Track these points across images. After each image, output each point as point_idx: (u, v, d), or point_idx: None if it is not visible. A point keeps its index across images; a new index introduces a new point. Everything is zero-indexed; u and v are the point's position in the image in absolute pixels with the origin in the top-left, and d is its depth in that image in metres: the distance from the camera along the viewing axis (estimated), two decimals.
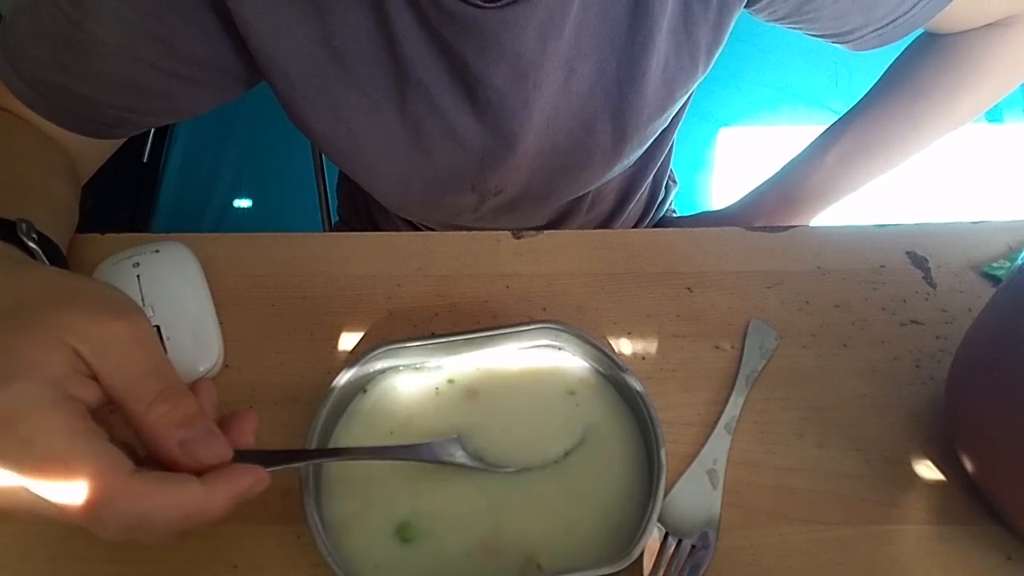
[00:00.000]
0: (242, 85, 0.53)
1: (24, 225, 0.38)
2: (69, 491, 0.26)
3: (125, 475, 0.27)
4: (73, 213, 0.49)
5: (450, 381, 0.45)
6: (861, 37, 0.56)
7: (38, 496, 0.27)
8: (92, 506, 0.27)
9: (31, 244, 0.38)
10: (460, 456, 0.40)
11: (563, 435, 0.42)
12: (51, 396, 0.27)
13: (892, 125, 0.65)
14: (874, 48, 0.58)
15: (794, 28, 0.57)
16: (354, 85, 0.50)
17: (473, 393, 0.44)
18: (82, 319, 0.29)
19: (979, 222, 0.55)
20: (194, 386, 0.33)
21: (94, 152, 0.55)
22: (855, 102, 0.67)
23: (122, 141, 0.56)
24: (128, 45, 0.46)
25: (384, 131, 0.53)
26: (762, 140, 1.71)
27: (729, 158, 1.68)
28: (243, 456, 0.32)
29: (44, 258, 0.39)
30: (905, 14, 0.54)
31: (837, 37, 0.57)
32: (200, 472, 0.29)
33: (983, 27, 0.58)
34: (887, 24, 0.55)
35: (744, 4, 0.51)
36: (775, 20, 0.55)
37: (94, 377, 0.29)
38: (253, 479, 0.31)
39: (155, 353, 0.30)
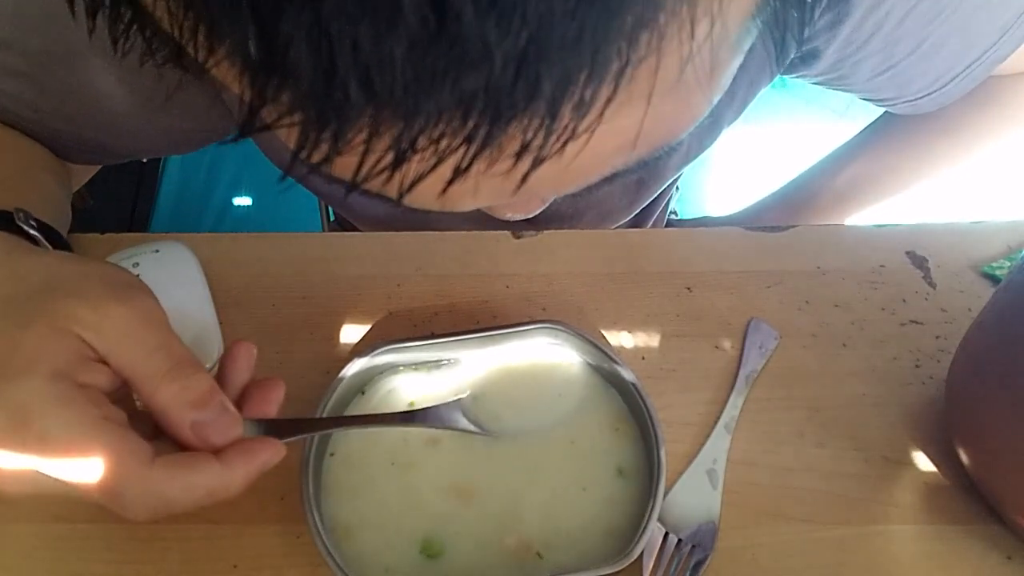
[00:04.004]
0: (225, 135, 0.54)
1: (21, 214, 0.38)
2: (90, 480, 0.27)
3: (141, 464, 0.27)
4: (64, 209, 0.49)
5: (450, 380, 0.45)
6: (894, 104, 0.57)
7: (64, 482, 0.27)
8: (113, 494, 0.27)
9: (31, 231, 0.38)
10: (463, 422, 0.40)
11: (563, 434, 0.42)
12: (60, 389, 0.27)
13: (908, 157, 0.63)
14: (906, 114, 0.58)
15: (829, 89, 0.57)
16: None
17: (473, 392, 0.44)
18: (84, 306, 0.29)
19: (979, 222, 0.55)
20: (233, 347, 0.34)
21: (79, 168, 0.55)
22: (869, 108, 0.67)
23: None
24: (105, 106, 0.46)
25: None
26: (762, 140, 1.71)
27: (729, 159, 1.68)
28: (254, 426, 0.32)
29: (47, 244, 0.39)
30: (940, 90, 0.53)
31: (870, 101, 0.58)
32: (216, 449, 0.30)
33: (1019, 74, 0.57)
34: (921, 97, 0.54)
35: (771, 81, 0.52)
36: (809, 82, 0.55)
37: (104, 361, 0.29)
38: (270, 453, 0.31)
39: (161, 330, 0.30)
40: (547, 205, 0.32)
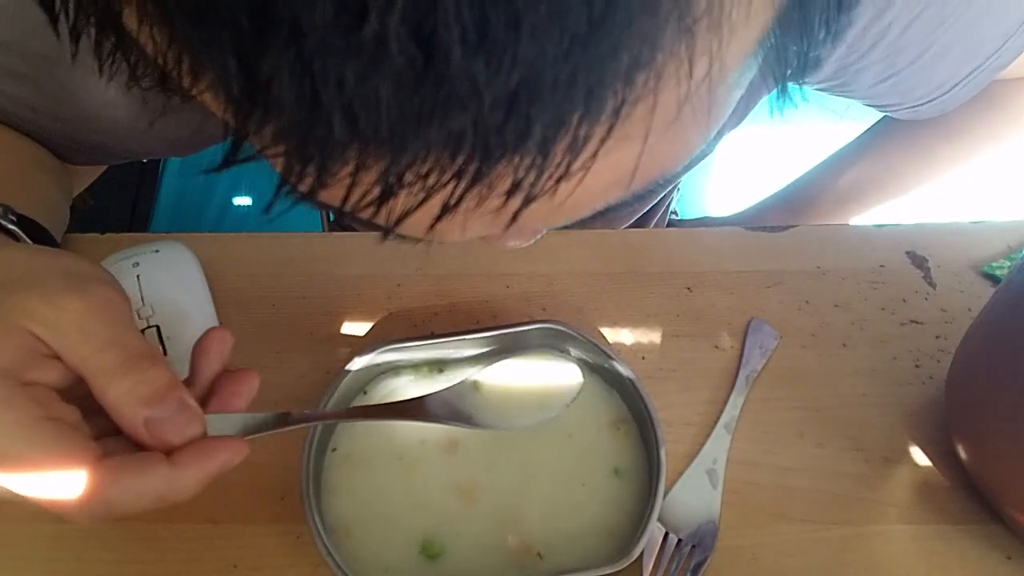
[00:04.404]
0: (224, 139, 0.54)
1: (1, 209, 0.38)
2: (32, 486, 0.26)
3: (86, 466, 0.26)
4: (61, 209, 0.48)
5: (450, 380, 0.45)
6: (896, 110, 0.56)
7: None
8: (52, 498, 0.26)
9: (10, 226, 0.38)
10: (450, 416, 0.38)
11: (563, 434, 0.42)
12: (4, 390, 0.26)
13: (910, 161, 0.63)
14: (908, 119, 0.58)
15: (830, 95, 0.57)
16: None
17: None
18: (37, 299, 0.28)
19: (979, 222, 0.55)
20: (207, 335, 0.32)
21: (84, 168, 0.55)
22: (869, 109, 0.67)
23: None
24: (103, 109, 0.46)
25: None
26: (763, 141, 1.71)
27: (730, 160, 1.68)
28: (223, 421, 0.30)
29: (27, 239, 0.38)
30: (942, 96, 0.53)
31: (872, 107, 0.57)
32: (173, 449, 0.28)
33: (1022, 78, 0.56)
34: (924, 104, 0.54)
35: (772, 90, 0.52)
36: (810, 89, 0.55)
37: (57, 357, 0.28)
38: (228, 454, 0.29)
39: (116, 323, 0.29)
40: (542, 234, 0.31)
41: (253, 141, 0.18)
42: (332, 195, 0.18)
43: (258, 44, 0.15)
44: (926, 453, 0.44)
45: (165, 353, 0.44)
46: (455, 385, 0.40)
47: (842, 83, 0.52)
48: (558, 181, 0.18)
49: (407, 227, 0.20)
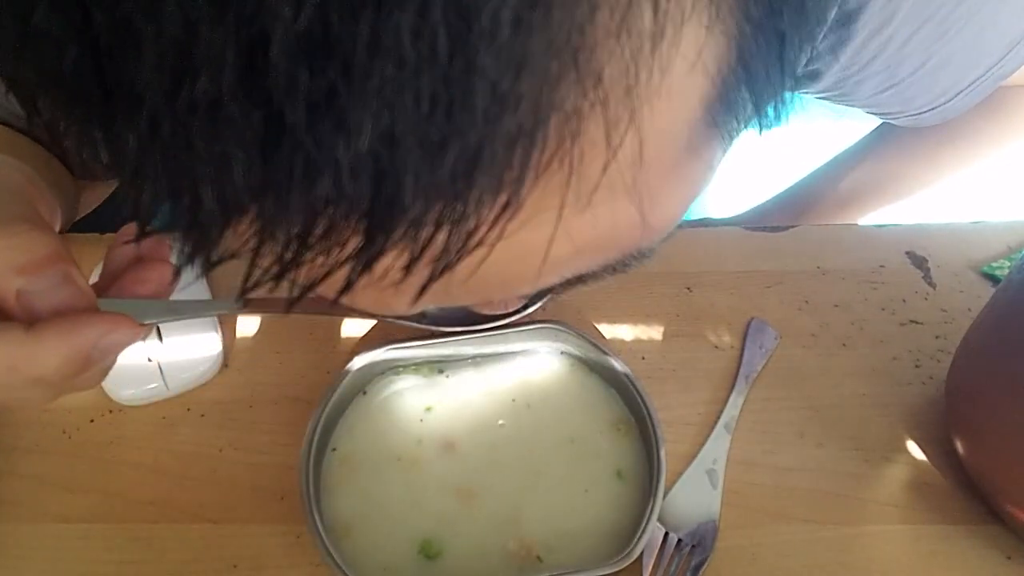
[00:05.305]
0: None
1: None
2: None
3: None
4: (54, 207, 0.48)
5: (450, 380, 0.45)
6: (897, 118, 0.56)
7: None
8: None
9: None
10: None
11: (563, 434, 0.42)
12: None
13: (912, 164, 0.63)
14: (910, 126, 0.58)
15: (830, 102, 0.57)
16: None
17: (473, 392, 0.44)
18: None
19: (978, 222, 0.55)
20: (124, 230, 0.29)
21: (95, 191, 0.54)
22: (875, 124, 0.66)
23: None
24: None
25: None
26: (763, 142, 1.70)
27: (729, 160, 1.67)
28: (121, 308, 0.26)
29: None
30: (944, 105, 0.53)
31: (874, 115, 0.57)
32: None
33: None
34: (925, 112, 0.54)
35: None
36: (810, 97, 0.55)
37: None
38: (105, 327, 0.24)
39: (16, 198, 0.26)
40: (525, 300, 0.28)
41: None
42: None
43: (106, 112, 0.14)
44: (926, 453, 0.44)
45: (162, 354, 0.44)
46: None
47: (842, 93, 0.52)
48: (454, 260, 0.16)
49: (320, 290, 0.18)
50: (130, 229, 0.29)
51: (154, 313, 0.27)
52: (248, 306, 0.33)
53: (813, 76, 0.49)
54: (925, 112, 0.54)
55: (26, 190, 0.28)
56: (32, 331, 0.24)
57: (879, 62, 0.47)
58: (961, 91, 0.51)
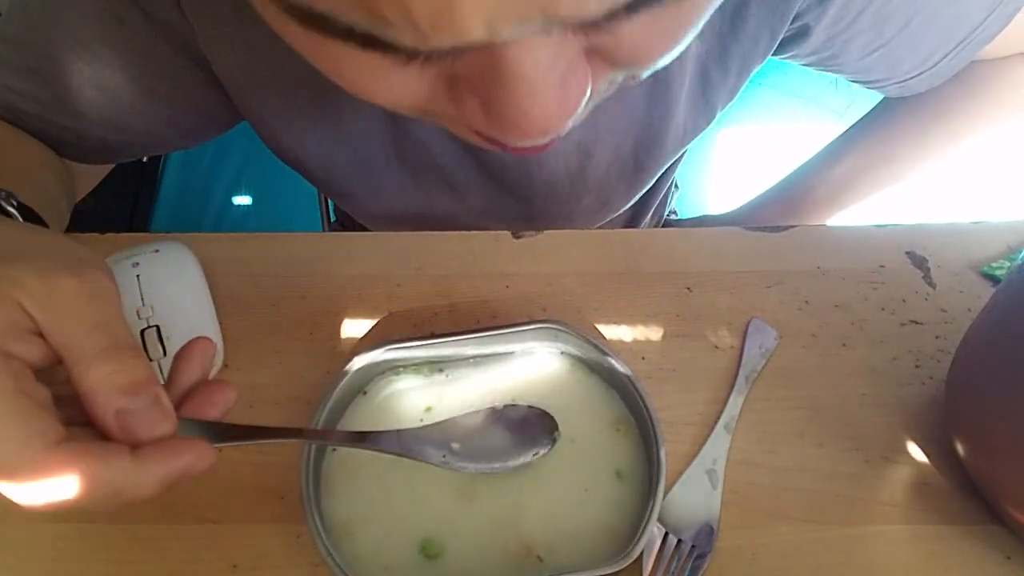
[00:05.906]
0: (228, 126, 0.55)
1: (3, 192, 0.37)
2: None
3: (45, 444, 0.25)
4: (57, 206, 0.48)
5: (450, 380, 0.45)
6: (884, 86, 0.57)
7: None
8: (4, 472, 0.25)
9: (10, 209, 0.37)
10: (433, 455, 0.38)
11: (563, 434, 0.42)
12: None
13: (903, 145, 0.63)
14: (895, 96, 0.58)
15: (819, 71, 0.58)
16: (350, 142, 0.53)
17: (473, 392, 0.44)
18: (32, 274, 0.27)
19: (979, 222, 0.55)
20: (189, 344, 0.32)
21: (88, 171, 0.55)
22: (869, 108, 0.66)
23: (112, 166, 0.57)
24: (109, 99, 0.47)
25: (383, 179, 0.55)
26: (762, 141, 1.71)
27: (729, 160, 1.68)
28: (195, 427, 0.29)
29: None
30: (929, 70, 0.53)
31: (862, 83, 0.58)
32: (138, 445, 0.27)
33: (1013, 56, 0.56)
34: (912, 78, 0.55)
35: (764, 60, 0.52)
36: (800, 63, 0.56)
37: (41, 334, 0.27)
38: (193, 457, 0.28)
39: (107, 309, 0.28)
40: (557, 137, 0.28)
41: None
42: None
43: None
44: (926, 453, 0.44)
45: (164, 353, 0.44)
46: (440, 423, 0.40)
47: (831, 55, 0.53)
48: None
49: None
50: (194, 345, 0.32)
51: (223, 437, 0.30)
52: (318, 437, 0.37)
53: (803, 32, 0.49)
54: (912, 78, 0.55)
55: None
56: (137, 459, 0.27)
57: (865, 18, 0.48)
58: (947, 54, 0.52)
